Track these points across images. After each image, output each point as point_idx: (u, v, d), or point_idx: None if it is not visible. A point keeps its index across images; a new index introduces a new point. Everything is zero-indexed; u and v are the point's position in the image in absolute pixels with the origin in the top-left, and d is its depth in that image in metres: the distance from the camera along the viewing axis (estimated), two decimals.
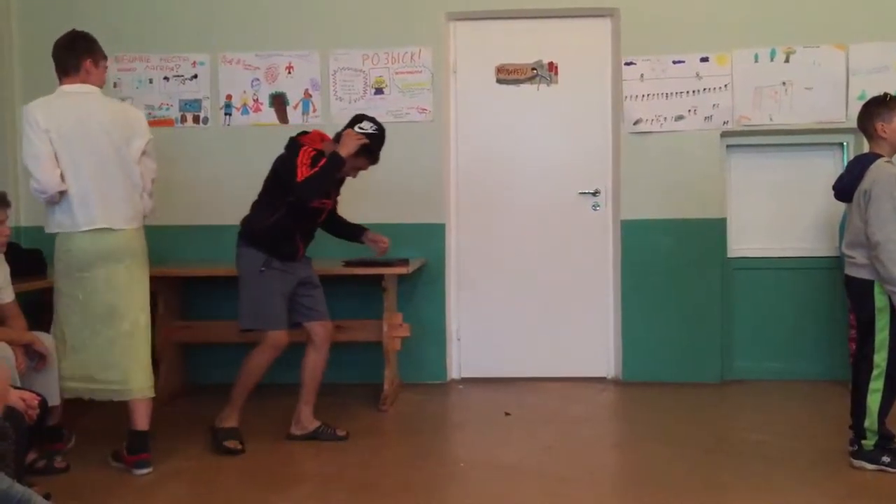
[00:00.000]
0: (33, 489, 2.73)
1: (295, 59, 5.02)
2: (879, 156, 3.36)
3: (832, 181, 3.66)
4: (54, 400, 3.35)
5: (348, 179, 3.88)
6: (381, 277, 4.39)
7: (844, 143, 4.91)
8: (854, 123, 4.79)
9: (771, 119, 4.85)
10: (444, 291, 5.02)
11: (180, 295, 4.87)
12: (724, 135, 4.90)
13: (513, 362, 5.05)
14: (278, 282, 3.66)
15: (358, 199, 4.99)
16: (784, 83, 4.82)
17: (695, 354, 4.90)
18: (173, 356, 4.71)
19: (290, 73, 5.02)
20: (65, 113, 3.30)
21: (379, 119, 4.86)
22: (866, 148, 4.76)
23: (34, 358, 3.32)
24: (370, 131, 3.64)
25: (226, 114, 5.06)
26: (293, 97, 5.02)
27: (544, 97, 5.04)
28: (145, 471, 3.40)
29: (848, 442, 3.44)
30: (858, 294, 3.38)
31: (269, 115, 5.04)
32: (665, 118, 4.89)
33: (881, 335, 3.29)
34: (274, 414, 4.26)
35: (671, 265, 4.90)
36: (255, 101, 5.04)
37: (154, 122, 5.02)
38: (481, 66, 5.06)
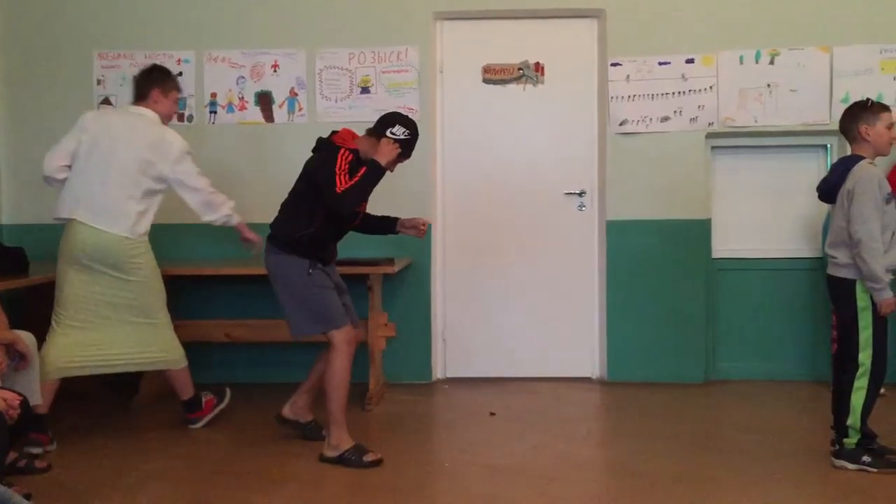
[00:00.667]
0: (13, 489, 2.71)
1: (281, 57, 5.00)
2: (862, 158, 3.41)
3: (816, 183, 3.69)
4: (35, 399, 3.33)
5: None
6: (366, 277, 4.38)
7: (828, 145, 4.94)
8: (837, 125, 4.84)
9: (756, 121, 4.87)
10: (430, 291, 5.02)
11: (167, 294, 4.82)
12: (710, 136, 4.93)
13: (498, 362, 5.06)
14: (327, 279, 3.55)
15: None
16: (769, 85, 4.85)
17: (679, 355, 4.92)
18: None
19: (275, 71, 5.00)
20: (109, 123, 3.85)
21: (364, 119, 4.87)
22: (850, 150, 4.81)
23: (15, 357, 3.28)
24: (403, 137, 3.48)
25: (211, 112, 5.03)
26: (279, 96, 5.00)
27: (531, 97, 5.05)
28: (200, 424, 4.00)
29: (830, 442, 3.46)
30: (840, 294, 3.42)
31: (254, 113, 5.02)
32: (651, 119, 4.91)
33: (864, 334, 3.33)
34: (255, 414, 4.25)
35: (656, 266, 4.92)
36: (241, 99, 5.02)
37: None
38: (468, 66, 5.06)
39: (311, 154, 3.63)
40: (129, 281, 3.78)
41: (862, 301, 3.33)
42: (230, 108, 5.03)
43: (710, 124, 4.89)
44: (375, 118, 4.89)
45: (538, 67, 5.04)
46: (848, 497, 3.10)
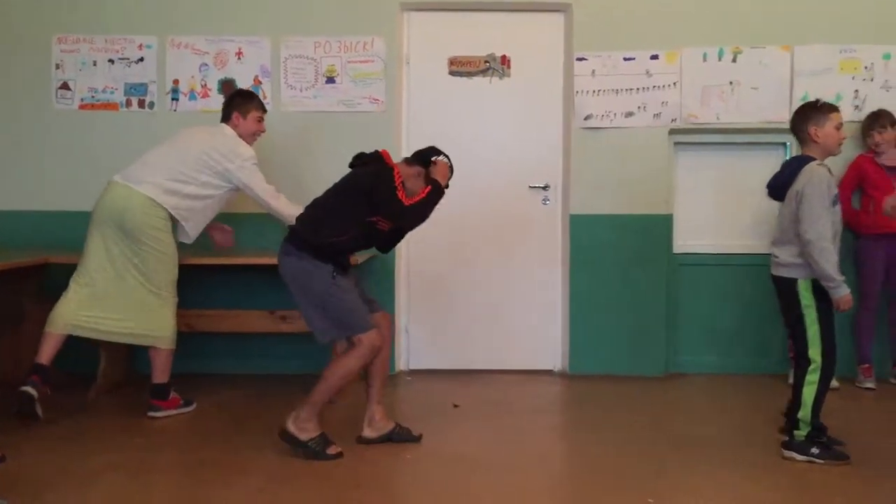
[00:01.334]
0: None
1: (245, 44, 4.94)
2: (812, 158, 3.46)
3: None
4: None
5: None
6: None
7: (787, 143, 5.02)
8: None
9: (718, 118, 4.93)
10: (394, 284, 5.01)
11: None
12: (673, 132, 4.98)
13: (461, 355, 5.07)
14: (348, 282, 3.50)
15: (309, 191, 4.94)
16: (731, 82, 4.91)
17: (640, 348, 4.98)
18: (118, 343, 4.60)
19: (239, 58, 4.94)
20: (192, 129, 4.22)
21: (330, 108, 4.90)
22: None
23: None
24: (450, 162, 3.66)
25: (173, 99, 4.96)
26: (243, 83, 4.93)
27: (496, 90, 5.05)
28: (159, 415, 4.03)
29: (780, 431, 3.54)
30: (784, 293, 3.50)
31: (217, 101, 4.91)
32: (615, 114, 4.95)
33: (811, 330, 3.40)
34: (218, 405, 4.21)
35: (618, 260, 4.96)
36: (204, 86, 4.95)
37: (97, 106, 4.94)
38: (434, 58, 5.05)
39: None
40: (143, 249, 3.91)
41: (805, 300, 3.40)
42: (192, 95, 4.96)
43: (673, 120, 4.94)
44: (341, 108, 4.93)
45: (504, 60, 5.05)
46: (795, 487, 3.17)
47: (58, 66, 4.94)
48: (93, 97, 4.93)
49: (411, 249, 5.08)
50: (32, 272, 4.45)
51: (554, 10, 5.02)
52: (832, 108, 3.48)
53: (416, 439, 3.67)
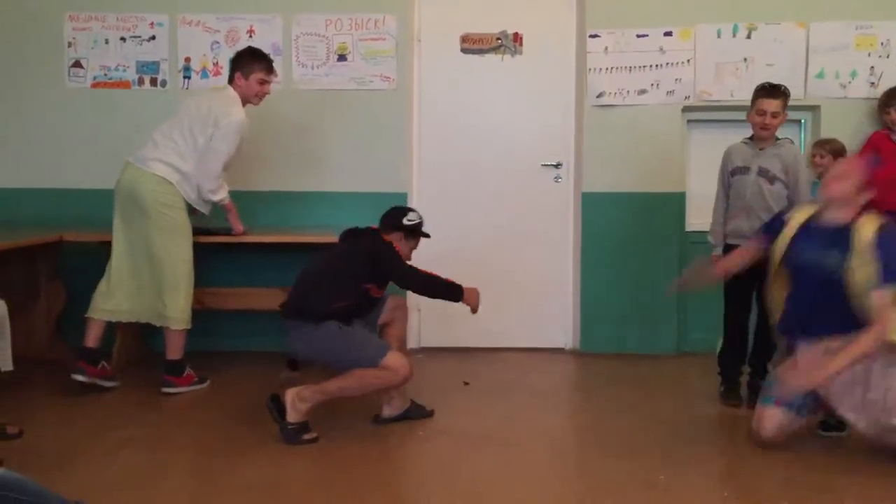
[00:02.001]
0: None
1: (257, 22, 4.93)
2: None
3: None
4: (7, 366, 3.32)
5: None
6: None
7: (802, 121, 4.98)
8: (812, 101, 4.89)
9: (732, 95, 4.89)
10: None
11: None
12: (686, 109, 4.94)
13: (472, 333, 5.07)
14: (356, 326, 3.51)
15: (320, 169, 4.96)
16: (745, 59, 4.87)
17: (652, 326, 4.98)
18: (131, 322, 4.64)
19: (251, 36, 4.93)
20: (194, 99, 4.18)
21: (342, 87, 4.89)
22: (823, 125, 4.87)
23: None
24: (417, 221, 3.71)
25: (185, 77, 4.96)
26: None
27: (508, 68, 5.03)
28: (172, 391, 4.07)
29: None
30: None
31: None
32: (628, 91, 4.91)
33: None
34: (233, 382, 4.25)
35: (630, 238, 4.95)
36: (215, 64, 4.94)
37: (109, 85, 4.95)
38: (446, 35, 5.02)
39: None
40: (154, 225, 3.95)
41: None
42: (204, 73, 4.96)
43: (686, 98, 4.90)
44: (352, 86, 4.92)
45: (517, 38, 5.02)
46: (820, 470, 3.18)
47: (70, 45, 4.94)
48: (105, 75, 4.93)
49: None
50: (46, 249, 4.49)
51: None
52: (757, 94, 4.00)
53: (430, 414, 3.72)
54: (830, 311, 3.22)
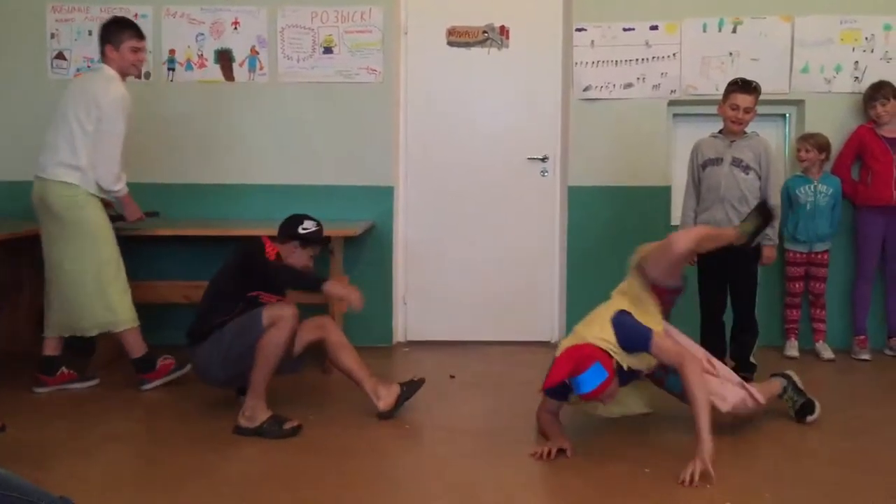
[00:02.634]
0: None
1: (242, 14, 4.90)
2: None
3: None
4: None
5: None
6: (327, 239, 4.35)
7: (787, 115, 5.00)
8: (797, 95, 4.91)
9: (717, 89, 4.86)
10: (392, 254, 5.01)
11: (122, 255, 4.75)
12: (671, 104, 4.96)
13: (458, 326, 5.09)
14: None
15: (306, 162, 4.94)
16: (731, 53, 4.88)
17: None
18: None
19: (236, 28, 4.90)
20: (71, 86, 4.00)
21: (327, 79, 4.84)
22: (808, 120, 4.89)
23: None
24: (313, 229, 3.67)
25: (169, 69, 4.93)
26: (239, 54, 4.90)
27: (495, 61, 5.02)
28: (150, 386, 4.00)
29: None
30: None
31: (214, 71, 4.92)
32: (614, 85, 4.92)
33: None
34: None
35: (616, 232, 4.96)
36: (200, 56, 4.91)
37: None
38: (432, 28, 5.01)
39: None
40: (74, 235, 3.81)
41: None
42: (189, 65, 4.92)
43: (672, 92, 4.91)
44: (338, 79, 4.89)
45: (503, 31, 5.01)
46: (822, 458, 3.21)
47: (53, 36, 4.90)
48: (88, 67, 4.88)
49: (409, 222, 5.08)
50: (29, 243, 4.44)
51: None
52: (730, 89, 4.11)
53: (421, 382, 3.67)
54: None
